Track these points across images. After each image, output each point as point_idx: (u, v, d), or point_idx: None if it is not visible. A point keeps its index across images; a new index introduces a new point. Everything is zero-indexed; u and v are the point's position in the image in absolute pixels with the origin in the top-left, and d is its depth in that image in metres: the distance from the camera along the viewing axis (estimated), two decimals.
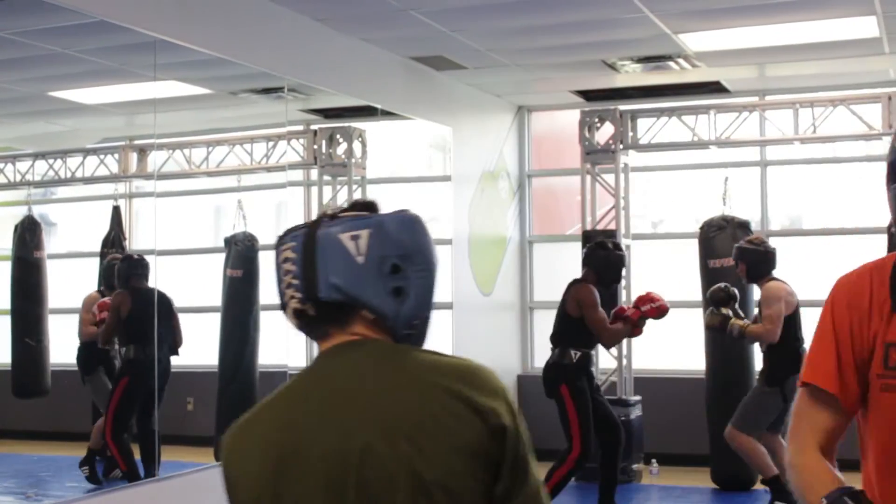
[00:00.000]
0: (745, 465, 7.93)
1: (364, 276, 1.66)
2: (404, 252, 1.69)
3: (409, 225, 1.72)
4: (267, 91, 6.59)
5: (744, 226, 7.98)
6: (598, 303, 6.56)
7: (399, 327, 1.68)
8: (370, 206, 1.75)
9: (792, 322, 6.57)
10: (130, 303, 6.16)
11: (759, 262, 6.68)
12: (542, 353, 7.35)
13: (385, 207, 1.78)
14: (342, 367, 1.65)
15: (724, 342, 7.96)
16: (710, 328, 7.02)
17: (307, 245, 1.68)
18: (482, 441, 1.55)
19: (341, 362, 1.66)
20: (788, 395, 6.32)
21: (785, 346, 6.49)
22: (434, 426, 1.56)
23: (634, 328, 6.68)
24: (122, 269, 6.33)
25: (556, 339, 6.62)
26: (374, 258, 1.67)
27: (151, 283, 6.03)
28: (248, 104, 6.76)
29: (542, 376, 6.59)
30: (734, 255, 6.89)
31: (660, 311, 6.66)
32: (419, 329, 1.72)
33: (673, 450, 8.75)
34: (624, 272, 7.02)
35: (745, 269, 6.73)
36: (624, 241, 8.59)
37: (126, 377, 6.21)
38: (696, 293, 8.11)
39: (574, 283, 6.69)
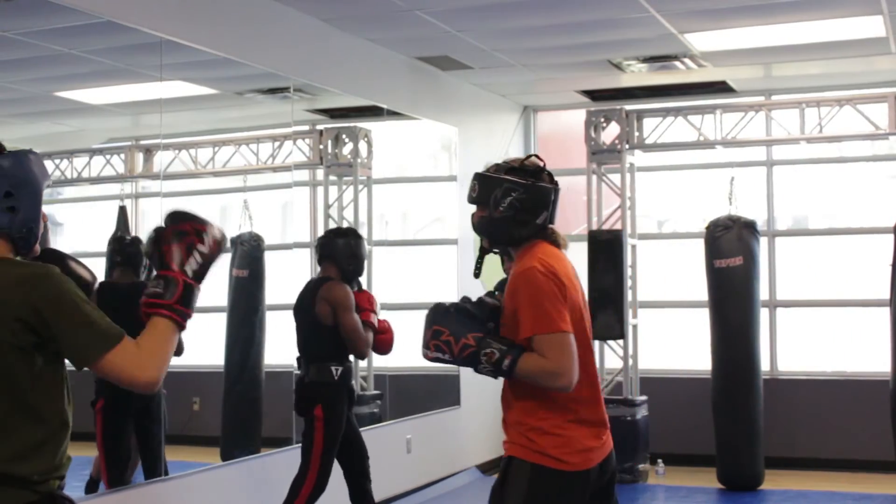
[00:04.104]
0: (750, 465, 7.94)
1: None
2: (15, 181, 2.39)
3: (19, 161, 2.41)
4: (273, 91, 6.59)
5: (750, 225, 7.98)
6: (353, 304, 5.38)
7: (14, 233, 2.42)
8: None
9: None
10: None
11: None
12: None
13: (9, 148, 2.45)
14: None
15: (729, 342, 7.96)
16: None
17: None
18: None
19: None
20: None
21: None
22: None
23: (379, 334, 5.57)
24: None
25: (308, 352, 5.46)
26: None
27: None
28: (253, 104, 6.77)
29: (296, 393, 5.49)
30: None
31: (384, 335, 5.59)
32: (30, 234, 2.42)
33: (679, 450, 8.74)
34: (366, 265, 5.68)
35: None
36: (630, 241, 8.58)
37: (102, 399, 5.07)
38: (702, 293, 8.10)
39: (319, 282, 5.49)
